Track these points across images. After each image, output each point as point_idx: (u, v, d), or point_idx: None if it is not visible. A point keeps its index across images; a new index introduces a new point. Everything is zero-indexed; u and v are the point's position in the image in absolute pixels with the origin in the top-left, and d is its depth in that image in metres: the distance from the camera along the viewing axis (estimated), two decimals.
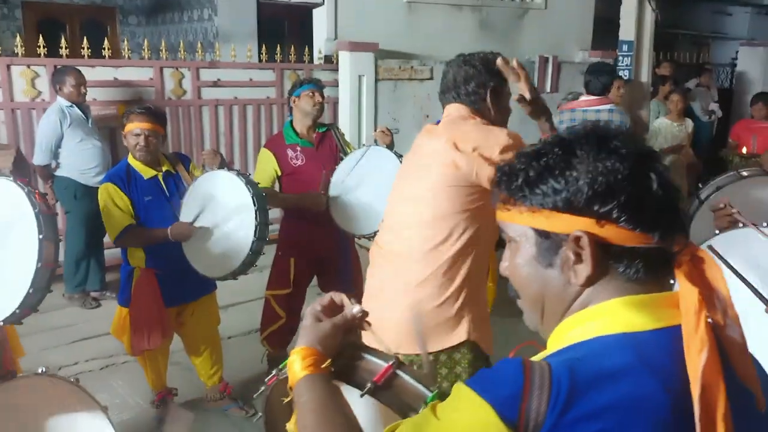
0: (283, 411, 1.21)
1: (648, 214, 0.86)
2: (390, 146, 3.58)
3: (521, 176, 0.92)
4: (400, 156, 3.48)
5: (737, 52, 11.09)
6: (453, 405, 0.88)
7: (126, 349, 3.41)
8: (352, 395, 1.13)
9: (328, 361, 1.12)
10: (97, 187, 3.25)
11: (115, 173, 3.18)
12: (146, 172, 3.17)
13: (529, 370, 0.82)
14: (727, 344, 0.86)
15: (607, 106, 4.53)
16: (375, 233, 3.55)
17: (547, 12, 7.31)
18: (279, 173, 3.67)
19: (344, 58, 5.99)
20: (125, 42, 5.61)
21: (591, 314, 0.90)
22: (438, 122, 4.45)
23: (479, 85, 2.15)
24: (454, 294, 2.10)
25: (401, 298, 2.12)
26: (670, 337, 0.85)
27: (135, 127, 3.10)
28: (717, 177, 3.04)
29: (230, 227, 3.06)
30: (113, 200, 3.06)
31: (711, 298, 0.87)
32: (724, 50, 12.60)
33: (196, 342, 3.50)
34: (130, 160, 3.18)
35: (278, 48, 5.94)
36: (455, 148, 2.03)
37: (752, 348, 0.91)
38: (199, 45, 5.82)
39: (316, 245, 3.75)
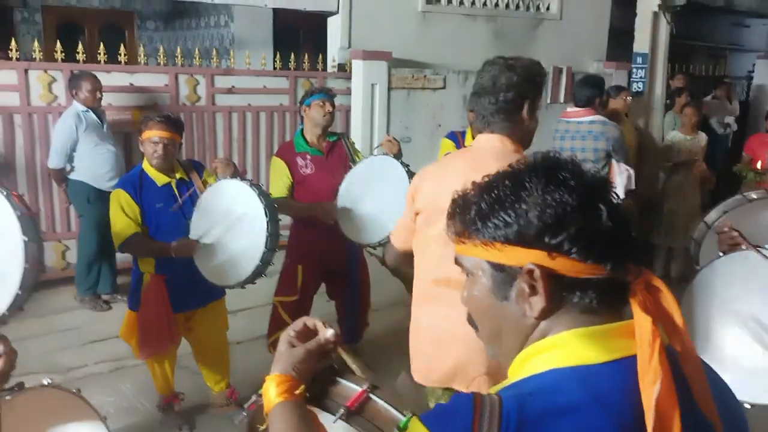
0: None
1: (599, 244, 0.87)
2: (397, 156, 3.58)
3: (474, 209, 0.93)
4: (406, 165, 3.48)
5: (754, 64, 11.01)
6: None
7: (134, 353, 3.45)
8: (328, 420, 1.14)
9: (302, 387, 1.12)
10: (110, 192, 3.28)
11: (128, 179, 3.21)
12: (160, 179, 3.19)
13: (480, 406, 0.83)
14: (687, 373, 0.87)
15: (589, 118, 4.57)
16: (380, 243, 3.57)
17: (562, 23, 7.30)
18: (292, 180, 3.70)
19: (357, 66, 6.02)
20: (141, 47, 5.67)
21: (545, 346, 0.91)
22: (451, 135, 4.48)
23: (520, 95, 2.01)
24: None
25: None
26: (623, 370, 0.85)
27: (153, 135, 3.12)
28: (724, 201, 3.05)
29: (241, 237, 3.07)
30: (122, 207, 3.09)
31: (671, 325, 0.87)
32: (741, 63, 12.51)
33: (203, 348, 3.52)
34: (145, 166, 3.21)
35: (292, 56, 5.97)
36: None
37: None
38: (214, 52, 5.87)
39: (324, 253, 3.77)
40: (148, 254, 3.20)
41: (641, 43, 7.23)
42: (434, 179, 2.06)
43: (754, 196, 3.02)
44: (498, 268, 0.92)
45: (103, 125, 4.73)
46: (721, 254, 2.23)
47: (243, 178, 3.17)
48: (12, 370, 1.50)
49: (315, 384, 1.16)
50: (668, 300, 0.88)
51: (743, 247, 2.19)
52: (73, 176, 4.70)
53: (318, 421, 1.14)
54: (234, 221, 3.08)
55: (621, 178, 4.67)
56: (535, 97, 2.05)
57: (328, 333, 1.18)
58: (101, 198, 4.53)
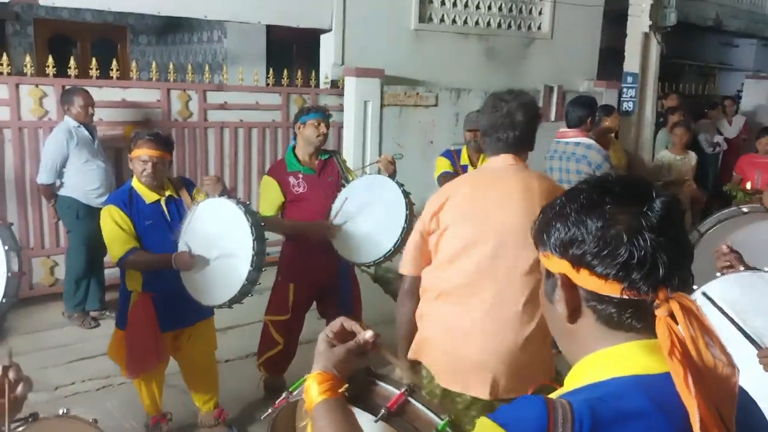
0: None
1: (616, 265, 0.93)
2: (392, 176, 3.58)
3: (538, 221, 1.07)
4: (401, 185, 3.47)
5: (743, 83, 11.13)
6: None
7: (121, 372, 3.41)
8: (363, 419, 1.16)
9: (345, 386, 1.15)
10: (100, 208, 3.26)
11: (117, 196, 3.19)
12: (149, 197, 3.17)
13: (553, 409, 0.88)
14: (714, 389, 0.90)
15: (575, 139, 4.57)
16: (375, 262, 3.56)
17: (553, 42, 7.36)
18: (283, 199, 3.68)
19: (350, 83, 6.03)
20: (134, 63, 5.65)
21: (606, 355, 0.98)
22: (446, 153, 4.49)
23: (533, 128, 2.37)
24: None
25: (507, 334, 2.19)
26: None
27: (143, 154, 3.10)
28: (719, 211, 3.09)
29: (227, 255, 3.05)
30: (117, 222, 3.06)
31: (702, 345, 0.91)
32: (730, 82, 12.64)
33: (192, 367, 3.48)
34: (134, 183, 3.19)
35: (285, 72, 5.98)
36: None
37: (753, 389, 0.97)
38: (207, 67, 5.86)
39: (316, 271, 3.74)
40: (148, 267, 3.16)
41: (632, 62, 7.30)
42: (461, 196, 2.30)
43: (746, 210, 3.07)
44: (547, 273, 1.04)
45: (94, 141, 4.71)
46: (718, 274, 2.22)
47: (231, 196, 3.15)
48: (25, 399, 1.47)
49: (351, 384, 1.19)
50: (696, 321, 0.91)
51: (741, 268, 2.18)
52: (62, 192, 4.67)
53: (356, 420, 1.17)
54: (221, 240, 3.06)
55: None
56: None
57: (367, 334, 1.22)
58: (90, 214, 4.50)
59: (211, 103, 5.58)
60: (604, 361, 0.97)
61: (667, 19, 7.63)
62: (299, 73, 6.03)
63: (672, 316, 0.91)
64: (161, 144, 3.14)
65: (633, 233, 0.93)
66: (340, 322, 1.24)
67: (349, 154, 6.00)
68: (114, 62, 5.26)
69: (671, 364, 0.88)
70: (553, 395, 0.96)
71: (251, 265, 2.92)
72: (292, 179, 3.66)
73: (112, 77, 5.22)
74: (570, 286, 0.99)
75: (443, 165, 4.37)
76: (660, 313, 0.91)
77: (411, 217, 3.41)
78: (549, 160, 4.77)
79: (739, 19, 11.03)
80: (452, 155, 4.43)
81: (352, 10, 6.15)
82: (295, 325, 3.84)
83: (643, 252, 0.92)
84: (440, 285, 2.31)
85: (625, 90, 7.31)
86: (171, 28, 9.74)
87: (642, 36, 7.22)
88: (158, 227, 3.15)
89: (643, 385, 0.91)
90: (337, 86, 6.19)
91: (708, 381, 0.88)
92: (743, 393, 1.00)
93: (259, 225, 3.00)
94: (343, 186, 3.67)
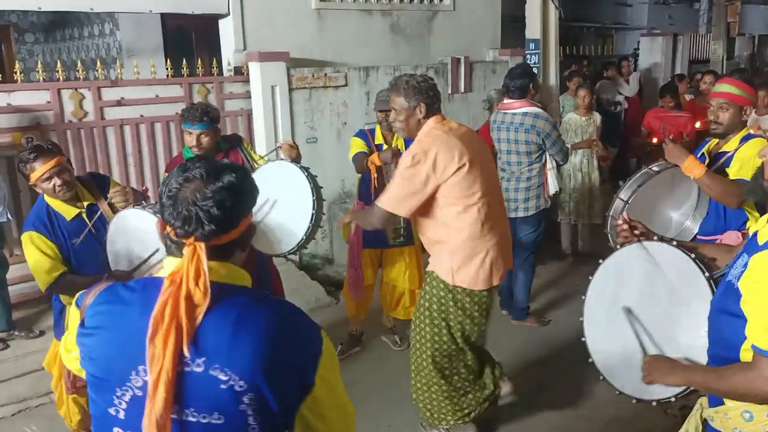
0: None
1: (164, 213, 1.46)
2: (297, 160, 3.47)
3: None
4: (306, 169, 3.36)
5: (638, 42, 11.58)
6: None
7: (52, 384, 3.22)
8: None
9: None
10: None
11: (37, 218, 2.93)
12: (68, 212, 2.95)
13: None
14: None
15: (522, 110, 4.61)
16: (291, 251, 3.46)
17: (456, 13, 7.38)
18: None
19: (255, 68, 5.85)
20: (18, 63, 5.27)
21: None
22: (360, 133, 4.46)
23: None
24: None
25: None
26: None
27: (43, 172, 2.84)
28: (631, 177, 3.15)
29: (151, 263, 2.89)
30: (40, 249, 2.83)
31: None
32: (626, 40, 13.12)
33: None
34: (48, 200, 2.94)
35: (184, 62, 5.73)
36: None
37: None
38: (98, 63, 5.53)
39: None
40: (81, 290, 2.95)
41: (533, 29, 7.41)
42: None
43: (656, 169, 3.15)
44: None
45: None
46: (618, 246, 2.22)
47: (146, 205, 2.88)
48: None
49: None
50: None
51: (635, 240, 2.14)
52: None
53: None
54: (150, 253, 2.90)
55: (551, 174, 4.75)
56: None
57: None
58: None
59: (107, 100, 5.28)
60: None
61: None
62: (200, 62, 5.79)
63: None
64: (50, 152, 2.89)
65: (181, 196, 1.45)
66: None
67: (260, 141, 5.84)
68: None
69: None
70: None
71: None
72: None
73: None
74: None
75: (358, 145, 4.30)
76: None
77: (320, 202, 3.31)
78: (496, 131, 4.78)
79: None
80: (366, 135, 4.37)
81: None
82: None
83: (181, 209, 1.43)
84: None
85: (528, 56, 7.43)
86: (59, 23, 9.18)
87: (540, 1, 7.34)
88: (87, 244, 2.94)
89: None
90: (241, 73, 6.00)
91: None
92: None
93: None
94: None
